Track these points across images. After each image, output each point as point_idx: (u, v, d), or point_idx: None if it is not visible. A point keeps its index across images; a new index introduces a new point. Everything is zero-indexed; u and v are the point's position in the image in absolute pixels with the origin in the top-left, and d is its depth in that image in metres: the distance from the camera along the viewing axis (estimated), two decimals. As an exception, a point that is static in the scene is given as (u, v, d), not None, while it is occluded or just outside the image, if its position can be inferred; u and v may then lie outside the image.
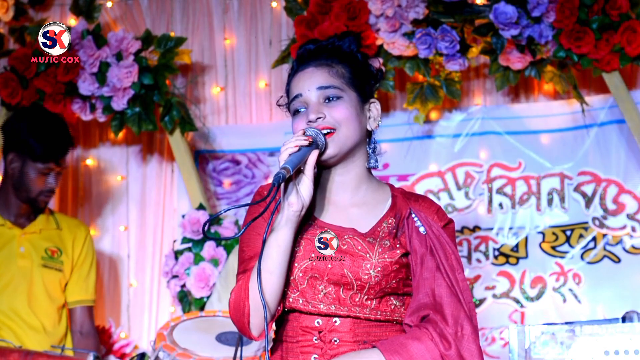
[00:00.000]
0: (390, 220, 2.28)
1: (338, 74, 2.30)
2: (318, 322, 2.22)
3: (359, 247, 2.21)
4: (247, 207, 2.31)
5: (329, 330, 2.21)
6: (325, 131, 2.24)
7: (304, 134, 2.20)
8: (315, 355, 2.21)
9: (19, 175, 3.90)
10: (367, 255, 2.21)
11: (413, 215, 2.28)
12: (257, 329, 2.20)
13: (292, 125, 2.30)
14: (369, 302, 2.21)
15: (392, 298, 2.23)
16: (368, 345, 2.19)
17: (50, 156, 3.89)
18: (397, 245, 2.23)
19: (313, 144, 2.19)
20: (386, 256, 2.21)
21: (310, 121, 2.24)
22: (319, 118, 2.25)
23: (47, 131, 3.91)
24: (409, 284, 2.25)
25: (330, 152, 2.25)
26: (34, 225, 3.99)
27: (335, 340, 2.21)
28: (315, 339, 2.22)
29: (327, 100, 2.27)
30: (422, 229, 2.26)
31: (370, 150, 2.33)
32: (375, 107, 2.35)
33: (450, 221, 2.32)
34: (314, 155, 2.19)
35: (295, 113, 2.30)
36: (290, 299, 2.23)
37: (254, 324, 2.19)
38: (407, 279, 2.24)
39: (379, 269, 2.19)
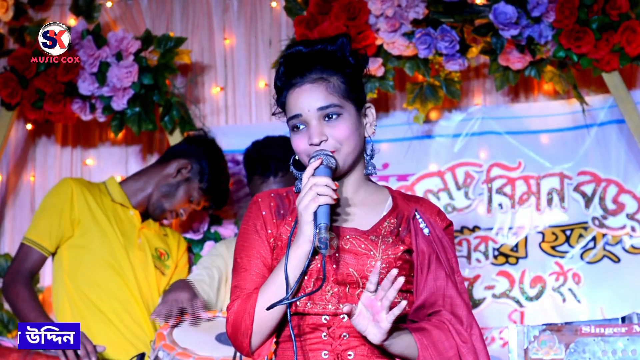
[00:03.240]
0: (392, 220, 2.29)
1: (335, 88, 2.28)
2: (325, 319, 2.23)
3: (362, 246, 2.23)
4: (245, 213, 2.37)
5: (338, 326, 2.22)
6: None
7: (321, 162, 2.21)
8: (326, 352, 2.21)
9: (176, 184, 3.91)
10: (371, 253, 2.22)
11: (418, 217, 2.29)
12: (256, 346, 2.24)
13: (292, 141, 2.30)
14: None
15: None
16: None
17: (215, 198, 3.99)
18: (400, 242, 2.25)
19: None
20: (390, 252, 2.23)
21: (313, 144, 2.25)
22: (323, 141, 2.25)
23: (226, 187, 4.04)
24: (410, 281, 2.27)
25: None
26: (149, 224, 3.95)
27: (345, 335, 2.21)
28: (324, 336, 2.22)
29: (327, 118, 2.27)
30: (426, 231, 2.28)
31: (368, 157, 2.34)
32: (370, 112, 2.35)
33: (451, 223, 2.37)
34: None
35: (294, 128, 2.30)
36: (298, 303, 2.23)
37: (254, 344, 2.23)
38: (409, 276, 2.26)
39: (384, 265, 2.21)
